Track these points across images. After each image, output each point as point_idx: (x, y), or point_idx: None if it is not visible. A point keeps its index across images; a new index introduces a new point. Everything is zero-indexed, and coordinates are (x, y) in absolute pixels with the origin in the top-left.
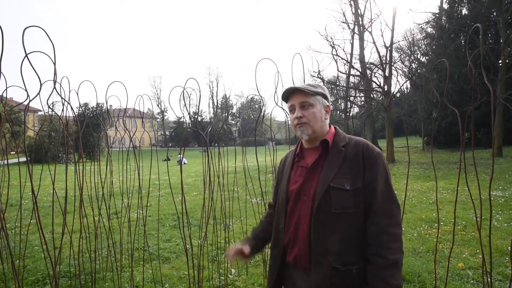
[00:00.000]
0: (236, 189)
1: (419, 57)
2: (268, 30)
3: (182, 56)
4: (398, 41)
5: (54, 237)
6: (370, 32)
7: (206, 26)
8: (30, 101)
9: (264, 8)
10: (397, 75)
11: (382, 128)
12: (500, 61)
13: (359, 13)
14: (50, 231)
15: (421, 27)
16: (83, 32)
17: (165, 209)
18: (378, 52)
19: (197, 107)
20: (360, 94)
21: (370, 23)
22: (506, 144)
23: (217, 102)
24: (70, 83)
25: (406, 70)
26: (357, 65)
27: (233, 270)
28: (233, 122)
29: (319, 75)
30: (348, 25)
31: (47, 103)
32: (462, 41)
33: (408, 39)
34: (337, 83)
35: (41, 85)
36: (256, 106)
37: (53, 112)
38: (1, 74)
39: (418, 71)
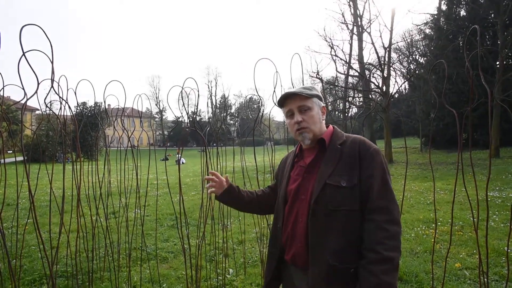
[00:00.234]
0: None
1: (417, 58)
2: (268, 30)
3: (181, 56)
4: (397, 42)
5: (51, 236)
6: (369, 33)
7: (206, 26)
8: (27, 99)
9: (264, 8)
10: (396, 76)
11: (380, 129)
12: (497, 63)
13: (358, 14)
14: (47, 230)
15: (419, 28)
16: (82, 31)
17: (163, 209)
18: (377, 53)
19: (196, 107)
20: (358, 95)
21: (369, 24)
22: (503, 145)
23: (215, 102)
24: (68, 82)
25: (404, 71)
26: (355, 65)
27: (231, 270)
28: (231, 122)
29: (317, 76)
30: (347, 26)
31: (45, 102)
32: (460, 43)
33: (406, 40)
34: (336, 84)
35: (38, 83)
36: (255, 106)
37: (50, 111)
38: None
39: (417, 72)
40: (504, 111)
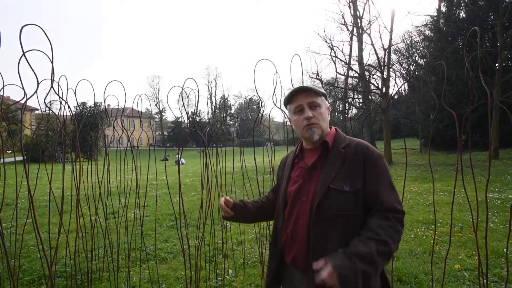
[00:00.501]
0: (234, 190)
1: (417, 59)
2: (268, 30)
3: (181, 56)
4: (396, 43)
5: (50, 236)
6: (369, 34)
7: (206, 26)
8: (27, 99)
9: (264, 8)
10: (395, 77)
11: (380, 130)
12: (497, 64)
13: (358, 15)
14: (46, 230)
15: (419, 29)
16: (81, 31)
17: (162, 209)
18: (377, 54)
19: (196, 107)
20: (358, 96)
21: (369, 25)
22: (502, 146)
23: (215, 103)
24: (68, 82)
25: (404, 72)
26: (355, 66)
27: (230, 271)
28: (231, 122)
29: (317, 76)
30: (347, 27)
31: (45, 102)
32: (460, 44)
33: (406, 41)
34: (336, 85)
35: (38, 83)
36: (255, 106)
37: (50, 111)
38: None
39: (416, 73)
40: (503, 112)
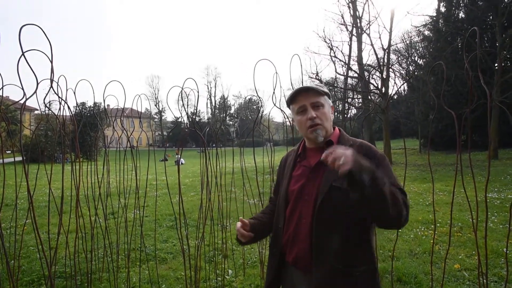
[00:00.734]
0: (234, 190)
1: (416, 59)
2: (268, 30)
3: (181, 56)
4: (396, 44)
5: (50, 237)
6: (368, 34)
7: (205, 26)
8: (26, 99)
9: (264, 8)
10: (395, 77)
11: (379, 130)
12: (496, 64)
13: (357, 15)
14: (46, 231)
15: (418, 29)
16: (81, 31)
17: (162, 209)
18: (376, 54)
19: (195, 107)
20: (357, 96)
21: (368, 25)
22: (502, 146)
23: (215, 103)
24: (67, 82)
25: (403, 72)
26: (355, 67)
27: (230, 271)
28: (231, 122)
29: (317, 77)
30: (346, 27)
31: (44, 102)
32: (459, 44)
33: (405, 41)
34: (335, 85)
35: (37, 83)
36: (254, 107)
37: (49, 111)
38: None
39: (416, 73)
40: (502, 112)
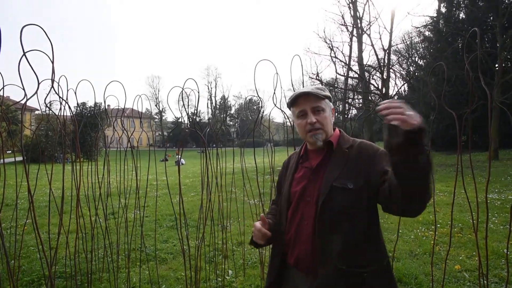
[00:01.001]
0: (234, 190)
1: (417, 60)
2: (268, 30)
3: (181, 56)
4: (396, 44)
5: (50, 237)
6: (369, 35)
7: (205, 27)
8: (27, 100)
9: (264, 8)
10: (395, 78)
11: (380, 130)
12: (496, 65)
13: (358, 16)
14: (46, 231)
15: (419, 30)
16: (81, 31)
17: (162, 209)
18: (376, 55)
19: (196, 108)
20: (358, 96)
21: (369, 26)
22: (502, 147)
23: (215, 103)
24: (68, 82)
25: (404, 73)
26: (355, 67)
27: (230, 271)
28: (231, 123)
29: (317, 77)
30: (346, 28)
31: (45, 102)
32: (460, 45)
33: (406, 42)
34: (336, 85)
35: (38, 84)
36: (255, 107)
37: (50, 111)
38: None
39: (416, 74)
40: (503, 113)
